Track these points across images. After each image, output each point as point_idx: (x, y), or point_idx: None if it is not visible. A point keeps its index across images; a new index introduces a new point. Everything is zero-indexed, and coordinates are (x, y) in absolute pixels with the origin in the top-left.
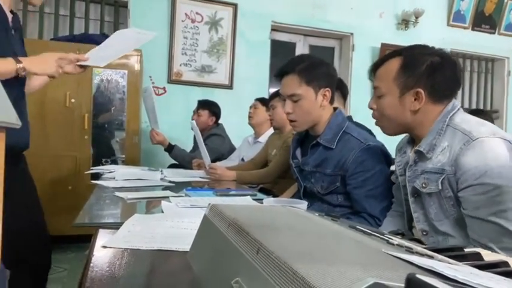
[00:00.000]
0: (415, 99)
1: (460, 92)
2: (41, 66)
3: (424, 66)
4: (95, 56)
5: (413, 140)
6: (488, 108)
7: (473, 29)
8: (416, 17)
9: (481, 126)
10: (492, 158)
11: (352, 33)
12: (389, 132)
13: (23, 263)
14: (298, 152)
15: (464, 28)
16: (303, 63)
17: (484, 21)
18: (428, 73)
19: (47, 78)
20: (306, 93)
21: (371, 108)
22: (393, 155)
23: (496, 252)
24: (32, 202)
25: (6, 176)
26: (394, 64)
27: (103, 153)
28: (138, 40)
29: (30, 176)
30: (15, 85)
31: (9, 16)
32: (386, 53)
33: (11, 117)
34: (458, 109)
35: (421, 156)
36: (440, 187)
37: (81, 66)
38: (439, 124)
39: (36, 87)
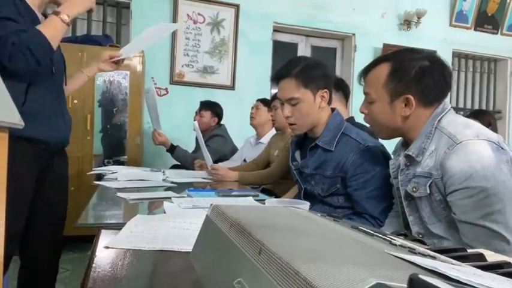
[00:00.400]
0: (405, 105)
1: (462, 93)
2: (78, 7)
3: (413, 71)
4: (126, 51)
5: (407, 144)
6: (491, 108)
7: (475, 29)
8: (419, 17)
9: (466, 128)
10: (476, 161)
11: (354, 34)
12: (383, 136)
13: (34, 259)
14: (297, 155)
15: (467, 28)
16: (299, 66)
17: (487, 21)
18: (417, 79)
19: (85, 78)
20: (304, 96)
21: (362, 113)
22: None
23: None
24: (58, 202)
25: (39, 171)
26: (383, 70)
27: (105, 154)
28: (166, 30)
29: (64, 176)
30: (55, 83)
31: (42, 19)
32: (375, 58)
33: (14, 118)
34: (448, 110)
35: (411, 160)
36: (428, 191)
37: (116, 63)
38: (427, 127)
39: (74, 88)
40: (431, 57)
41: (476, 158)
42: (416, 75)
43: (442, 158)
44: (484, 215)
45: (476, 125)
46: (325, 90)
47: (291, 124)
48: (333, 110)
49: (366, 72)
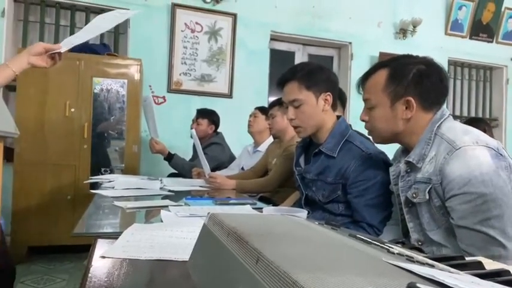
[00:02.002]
0: (406, 108)
1: (458, 101)
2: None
3: (411, 74)
4: (67, 43)
5: (406, 150)
6: (487, 116)
7: (471, 38)
8: (414, 26)
9: (465, 134)
10: (475, 167)
11: (350, 43)
12: (380, 141)
13: None
14: (301, 160)
15: (462, 37)
16: (303, 70)
17: (482, 30)
18: (416, 81)
19: (10, 73)
20: (307, 98)
21: (363, 121)
22: None
23: None
24: None
25: None
26: (381, 75)
27: (102, 162)
28: (114, 19)
29: None
30: None
31: None
32: (372, 65)
33: (10, 127)
34: (447, 117)
35: (412, 166)
36: (427, 197)
37: (52, 58)
38: (427, 134)
39: None
40: (427, 61)
41: (475, 163)
42: (414, 78)
43: (441, 163)
44: (481, 220)
45: (475, 131)
46: (328, 93)
47: (295, 127)
48: (338, 117)
49: (364, 79)
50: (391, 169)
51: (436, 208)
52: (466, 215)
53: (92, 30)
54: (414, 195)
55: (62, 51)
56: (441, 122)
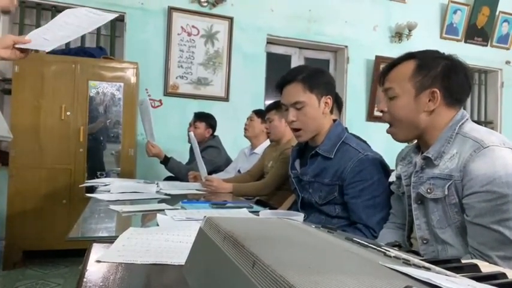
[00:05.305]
0: (429, 100)
1: None
2: None
3: (439, 67)
4: (38, 38)
5: (419, 149)
6: (483, 119)
7: (466, 42)
8: (410, 30)
9: (491, 135)
10: (501, 167)
11: (346, 46)
12: (401, 137)
13: None
14: (297, 163)
15: (457, 41)
16: (305, 72)
17: (477, 33)
18: (443, 74)
19: None
20: (310, 100)
21: (381, 111)
22: (391, 167)
23: (493, 260)
24: None
25: None
26: (409, 66)
27: (98, 166)
28: (92, 22)
29: None
30: None
31: None
32: (398, 56)
33: (3, 130)
34: (467, 119)
35: (428, 162)
36: (446, 193)
37: (22, 51)
38: (448, 132)
39: None
40: (454, 58)
41: (502, 163)
42: (443, 71)
43: (466, 160)
44: (499, 220)
45: (498, 134)
46: (329, 96)
47: (295, 130)
48: (334, 121)
49: (388, 69)
50: (403, 169)
51: (451, 205)
52: (484, 213)
53: (65, 33)
54: (429, 190)
55: (32, 48)
56: (463, 123)
